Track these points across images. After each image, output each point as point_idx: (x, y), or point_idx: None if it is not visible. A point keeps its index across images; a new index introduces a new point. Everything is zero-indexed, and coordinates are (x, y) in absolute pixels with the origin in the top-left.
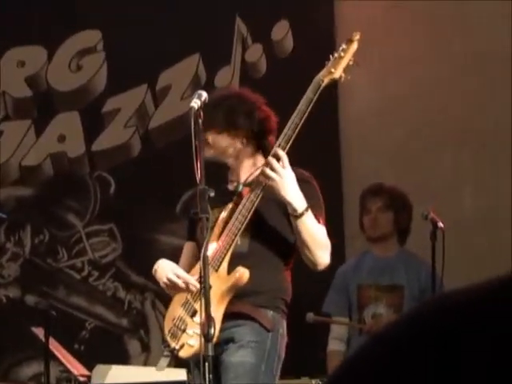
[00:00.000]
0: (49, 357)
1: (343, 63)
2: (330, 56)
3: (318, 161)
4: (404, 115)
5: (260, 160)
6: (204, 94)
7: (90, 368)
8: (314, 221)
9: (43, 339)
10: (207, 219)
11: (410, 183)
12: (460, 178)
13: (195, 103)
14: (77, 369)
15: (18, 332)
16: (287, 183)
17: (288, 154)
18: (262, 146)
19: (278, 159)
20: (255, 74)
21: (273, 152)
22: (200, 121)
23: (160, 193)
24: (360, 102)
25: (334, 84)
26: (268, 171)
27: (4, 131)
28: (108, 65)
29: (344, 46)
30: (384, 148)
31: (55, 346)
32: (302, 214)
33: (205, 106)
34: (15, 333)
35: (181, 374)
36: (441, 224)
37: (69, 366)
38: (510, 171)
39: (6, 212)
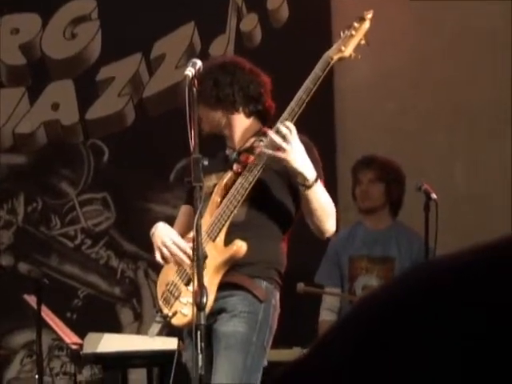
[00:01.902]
0: (41, 325)
1: (354, 42)
2: (341, 33)
3: (313, 133)
4: (398, 89)
5: (255, 124)
6: (198, 63)
7: (82, 336)
8: (324, 189)
9: (35, 307)
10: (200, 188)
11: (403, 157)
12: (453, 153)
13: (190, 71)
14: (69, 337)
15: (11, 300)
16: (298, 153)
17: None
18: (255, 110)
19: (287, 128)
20: (250, 43)
21: (280, 122)
22: (194, 89)
23: (154, 162)
24: (354, 75)
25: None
26: (279, 141)
27: None
28: (102, 33)
29: (356, 24)
30: (378, 121)
31: (47, 314)
32: (313, 184)
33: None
34: (7, 301)
35: (173, 342)
36: (434, 195)
37: (61, 334)
38: (505, 149)
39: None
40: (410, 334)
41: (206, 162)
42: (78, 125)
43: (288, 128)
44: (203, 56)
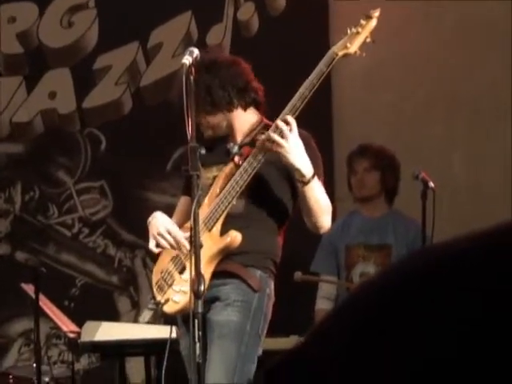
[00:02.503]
0: (38, 313)
1: (360, 39)
2: (348, 30)
3: (310, 122)
4: (396, 78)
5: (252, 114)
6: (195, 51)
7: (80, 325)
8: (320, 186)
9: (33, 296)
10: (198, 176)
11: (401, 146)
12: (451, 143)
13: (187, 60)
14: (66, 325)
15: (8, 288)
16: (296, 149)
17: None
18: (250, 100)
19: (287, 124)
20: (247, 32)
21: (281, 117)
22: (191, 77)
23: (151, 150)
24: (352, 64)
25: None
26: (276, 137)
27: None
28: (99, 22)
29: (363, 21)
30: (376, 111)
31: (45, 303)
32: (309, 181)
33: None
34: (5, 289)
35: (170, 331)
36: (432, 184)
37: (58, 322)
38: (503, 137)
39: None
40: (406, 320)
41: (203, 151)
42: (75, 113)
43: (288, 122)
44: (200, 45)
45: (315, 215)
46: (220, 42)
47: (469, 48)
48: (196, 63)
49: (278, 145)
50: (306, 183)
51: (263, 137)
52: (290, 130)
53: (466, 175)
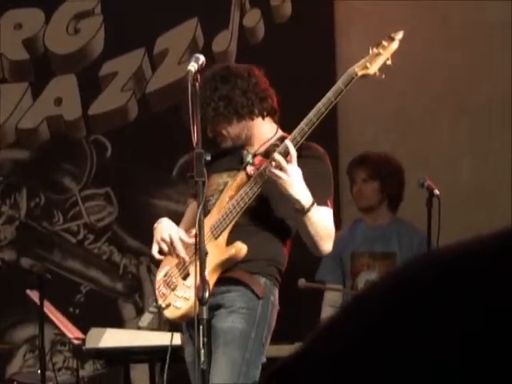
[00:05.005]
0: (43, 320)
1: (380, 61)
2: (370, 50)
3: (315, 129)
4: (402, 84)
5: (269, 123)
6: (201, 58)
7: (85, 331)
8: (320, 212)
9: (38, 302)
10: (203, 183)
11: (407, 152)
12: (457, 149)
13: (192, 66)
14: (71, 332)
15: (13, 295)
16: (294, 181)
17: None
18: (269, 108)
19: (287, 155)
20: (253, 39)
21: (282, 148)
22: (197, 84)
23: (156, 157)
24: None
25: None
26: (275, 170)
27: (1, 94)
28: (105, 28)
29: (384, 42)
30: (381, 117)
31: (50, 309)
32: (308, 210)
33: (202, 103)
34: (10, 296)
35: (175, 337)
36: (437, 191)
37: (63, 329)
38: (510, 143)
39: (2, 174)
40: (411, 325)
41: (208, 158)
42: (81, 120)
43: (288, 153)
44: (206, 52)
45: (313, 241)
46: (226, 49)
47: (476, 51)
48: (211, 76)
49: (277, 176)
50: (304, 213)
51: (262, 167)
52: (290, 161)
53: (473, 182)
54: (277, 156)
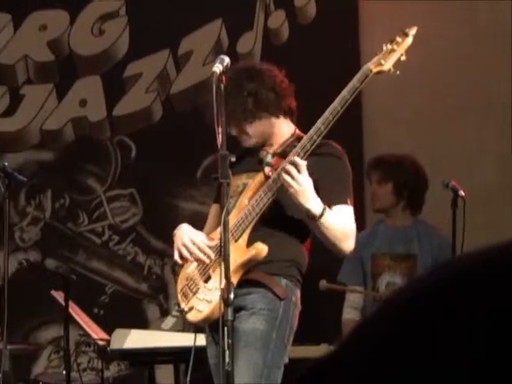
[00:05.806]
0: (68, 321)
1: (394, 57)
2: (383, 46)
3: (340, 131)
4: (425, 85)
5: (288, 124)
6: (226, 59)
7: (109, 332)
8: (336, 214)
9: (63, 303)
10: (228, 184)
11: (431, 153)
12: (482, 150)
13: (217, 68)
14: (96, 333)
15: (38, 296)
16: (305, 190)
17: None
18: (289, 108)
19: (296, 166)
20: (277, 40)
21: (290, 159)
22: (222, 86)
23: (181, 158)
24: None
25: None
26: (287, 178)
27: (26, 95)
28: (130, 29)
29: (398, 38)
30: (405, 118)
31: (75, 310)
32: (320, 216)
33: (229, 98)
34: (35, 296)
35: (200, 339)
36: (462, 192)
37: (88, 329)
38: None
39: (27, 176)
40: (426, 341)
41: (233, 159)
42: (106, 121)
43: (296, 164)
44: (230, 53)
45: (331, 244)
46: (250, 50)
47: (501, 51)
48: (236, 73)
49: (288, 185)
50: (316, 219)
51: (279, 169)
52: (299, 171)
53: (497, 182)
54: (287, 166)
